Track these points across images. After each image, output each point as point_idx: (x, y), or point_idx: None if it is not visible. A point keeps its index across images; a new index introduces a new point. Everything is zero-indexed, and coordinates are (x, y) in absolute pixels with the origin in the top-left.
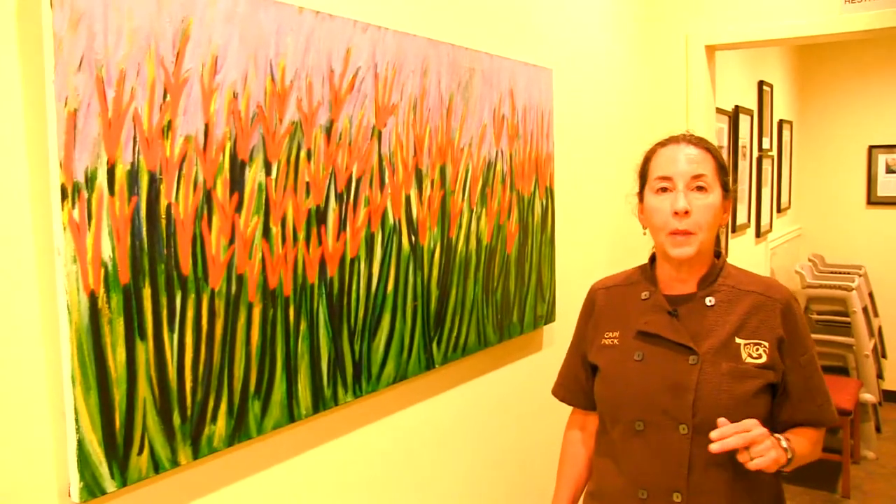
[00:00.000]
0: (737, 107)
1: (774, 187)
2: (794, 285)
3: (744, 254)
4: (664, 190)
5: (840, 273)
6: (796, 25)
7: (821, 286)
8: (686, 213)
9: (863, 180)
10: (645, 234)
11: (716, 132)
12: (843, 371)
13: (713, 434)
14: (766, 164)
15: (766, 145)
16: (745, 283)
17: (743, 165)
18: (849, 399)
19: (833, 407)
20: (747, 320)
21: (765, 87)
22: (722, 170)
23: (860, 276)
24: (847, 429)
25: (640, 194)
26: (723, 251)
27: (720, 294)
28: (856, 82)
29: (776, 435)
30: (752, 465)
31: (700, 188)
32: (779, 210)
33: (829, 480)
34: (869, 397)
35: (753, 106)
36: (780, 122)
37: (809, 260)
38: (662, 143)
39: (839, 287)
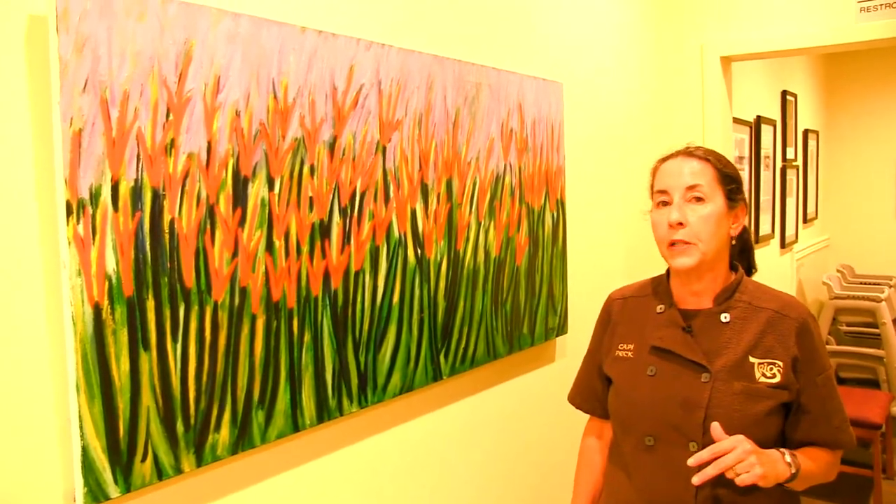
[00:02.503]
0: (758, 117)
1: (800, 198)
2: (821, 296)
3: (768, 265)
4: (664, 204)
5: (870, 284)
6: (811, 35)
7: (849, 297)
8: (680, 224)
9: (892, 190)
10: None
11: (733, 143)
12: (873, 384)
13: (690, 462)
14: (791, 174)
15: (790, 155)
16: (761, 299)
17: (766, 176)
18: (879, 413)
19: (850, 429)
20: (762, 339)
21: (788, 97)
22: (725, 178)
23: (890, 286)
24: (878, 443)
25: None
26: (753, 265)
27: (736, 311)
28: (883, 91)
29: (781, 449)
30: (739, 481)
31: (697, 199)
32: (805, 221)
33: (860, 496)
34: None
35: (776, 116)
36: (806, 132)
37: (838, 271)
38: (664, 158)
39: (868, 298)
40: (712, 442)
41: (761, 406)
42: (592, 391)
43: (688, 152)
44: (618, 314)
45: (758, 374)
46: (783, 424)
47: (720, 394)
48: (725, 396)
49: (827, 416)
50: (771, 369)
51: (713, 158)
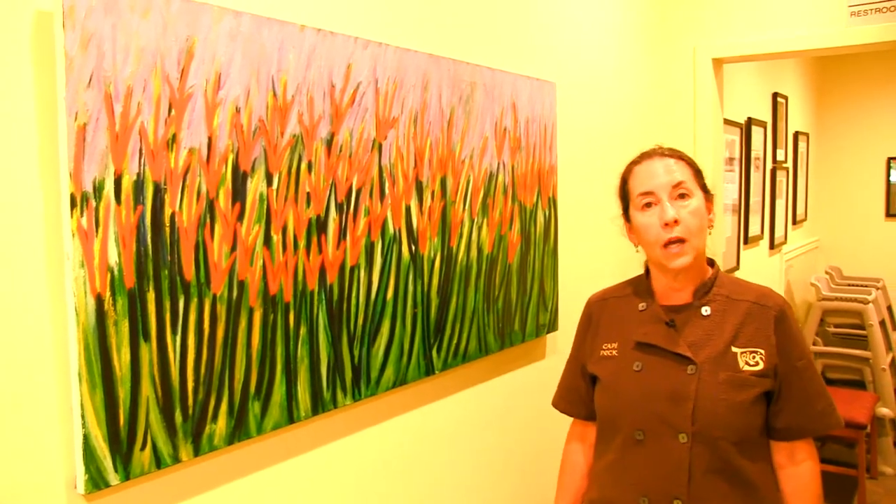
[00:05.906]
0: (749, 118)
1: (790, 199)
2: (809, 297)
3: (757, 266)
4: (649, 205)
5: (857, 286)
6: (803, 38)
7: (836, 299)
8: (675, 221)
9: (881, 192)
10: (637, 251)
11: (724, 144)
12: (859, 385)
13: None
14: (781, 175)
15: (780, 157)
16: (738, 292)
17: (756, 177)
18: (865, 413)
19: (836, 411)
20: (742, 329)
21: (779, 99)
22: (699, 174)
23: (878, 288)
24: (863, 443)
25: (626, 214)
26: (715, 257)
27: (715, 304)
28: (874, 94)
29: None
30: None
31: (682, 195)
32: (794, 222)
33: (844, 496)
34: (886, 412)
35: (767, 118)
36: (796, 134)
37: (826, 272)
38: (636, 161)
39: (856, 300)
40: (701, 431)
41: (746, 394)
42: (577, 393)
43: (661, 153)
44: (598, 315)
45: (741, 363)
46: (766, 413)
47: (706, 384)
48: (711, 386)
49: (809, 400)
50: (753, 357)
51: (684, 157)
